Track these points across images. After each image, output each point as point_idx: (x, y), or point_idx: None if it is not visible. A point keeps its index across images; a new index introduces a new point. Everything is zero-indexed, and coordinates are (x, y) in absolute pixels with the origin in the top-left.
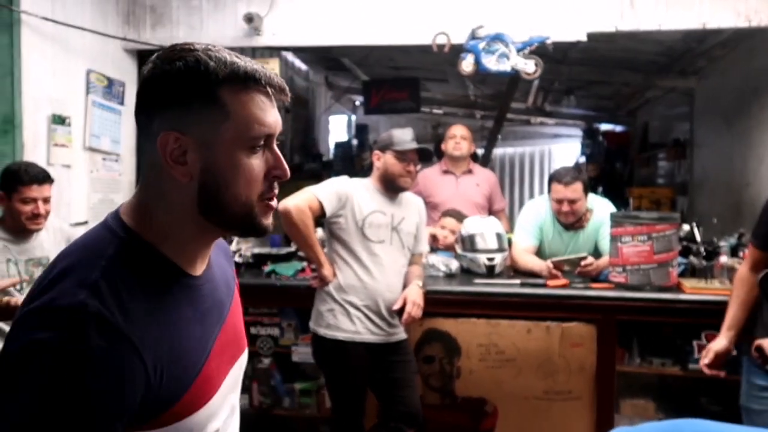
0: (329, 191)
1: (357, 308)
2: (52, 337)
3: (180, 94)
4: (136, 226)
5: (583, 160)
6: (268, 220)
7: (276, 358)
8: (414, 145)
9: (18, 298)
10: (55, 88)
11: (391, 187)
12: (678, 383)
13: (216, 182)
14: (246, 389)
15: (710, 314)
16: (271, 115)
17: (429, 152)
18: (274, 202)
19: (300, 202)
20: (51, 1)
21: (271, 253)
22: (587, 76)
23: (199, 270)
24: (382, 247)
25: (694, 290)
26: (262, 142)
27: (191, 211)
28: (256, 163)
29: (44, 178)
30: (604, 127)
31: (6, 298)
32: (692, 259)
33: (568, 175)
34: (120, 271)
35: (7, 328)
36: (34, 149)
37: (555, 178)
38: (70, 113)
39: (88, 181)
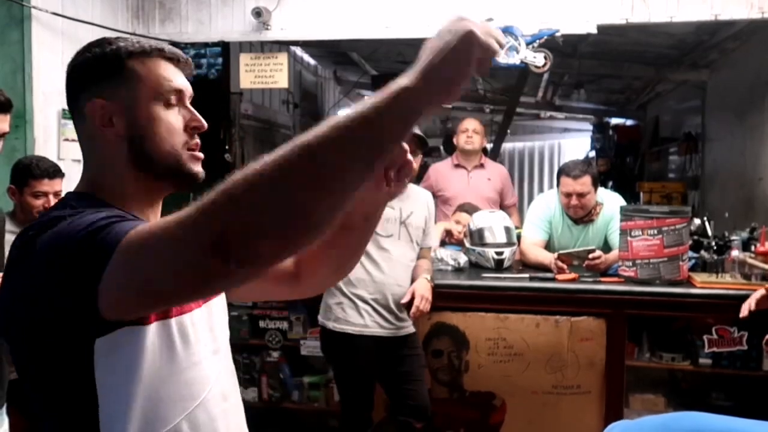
0: None
1: (365, 302)
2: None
3: (98, 70)
4: (89, 190)
5: (593, 154)
6: (197, 168)
7: (285, 352)
8: (411, 134)
9: None
10: (65, 83)
11: None
12: (688, 378)
13: (140, 135)
14: (255, 382)
15: (721, 309)
16: (178, 77)
17: (424, 140)
18: (198, 153)
19: None
20: None
21: None
22: (598, 69)
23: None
24: (390, 241)
25: (705, 284)
26: (173, 98)
27: (128, 167)
28: (173, 115)
29: (55, 172)
30: (615, 121)
31: None
32: (703, 253)
33: (577, 168)
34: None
35: None
36: (45, 144)
37: (564, 171)
38: None
39: None
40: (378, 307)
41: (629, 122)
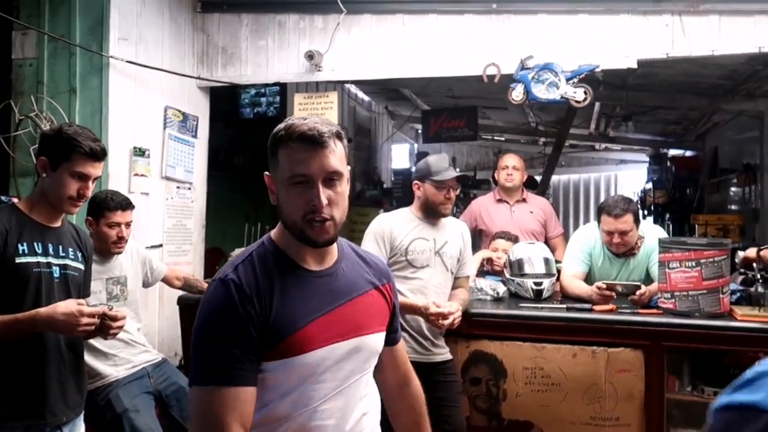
0: (372, 245)
1: (402, 328)
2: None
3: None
4: (275, 239)
5: (650, 186)
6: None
7: None
8: (451, 174)
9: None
10: (136, 123)
11: (433, 214)
12: None
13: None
14: None
15: (764, 342)
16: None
17: (466, 178)
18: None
19: None
20: (135, 45)
21: None
22: (649, 101)
23: (313, 266)
24: (425, 271)
25: (746, 318)
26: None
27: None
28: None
29: (127, 204)
30: (673, 152)
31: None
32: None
33: (618, 207)
34: (259, 261)
35: (100, 345)
36: (117, 178)
37: (605, 210)
38: (150, 146)
39: (163, 208)
40: (414, 333)
41: (688, 153)
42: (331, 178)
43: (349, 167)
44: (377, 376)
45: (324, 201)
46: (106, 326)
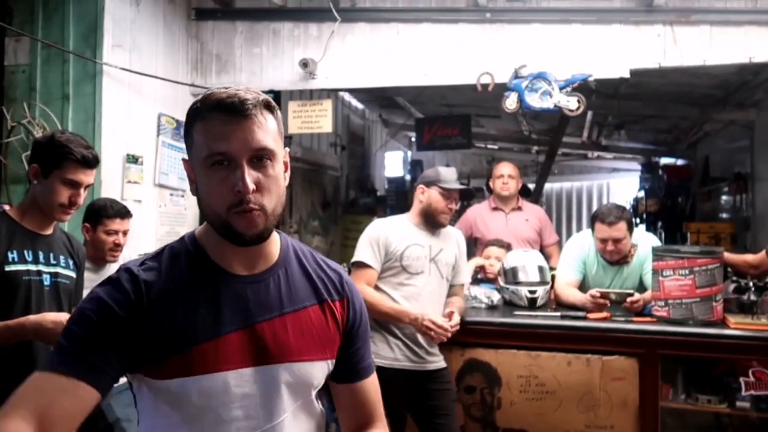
0: (366, 250)
1: (396, 336)
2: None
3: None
4: (198, 234)
5: (641, 194)
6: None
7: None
8: (459, 186)
9: None
10: (130, 130)
11: (431, 222)
12: (727, 421)
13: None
14: None
15: (756, 350)
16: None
17: (471, 193)
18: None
19: (364, 287)
20: (129, 52)
21: None
22: (640, 110)
23: (239, 270)
24: (420, 278)
25: (739, 326)
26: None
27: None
28: None
29: (126, 213)
30: (665, 160)
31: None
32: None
33: (612, 214)
34: (170, 258)
35: None
36: (110, 185)
37: (598, 217)
38: (143, 153)
39: (156, 215)
40: (408, 342)
41: (680, 162)
42: (259, 157)
43: (287, 149)
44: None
45: (251, 185)
46: None
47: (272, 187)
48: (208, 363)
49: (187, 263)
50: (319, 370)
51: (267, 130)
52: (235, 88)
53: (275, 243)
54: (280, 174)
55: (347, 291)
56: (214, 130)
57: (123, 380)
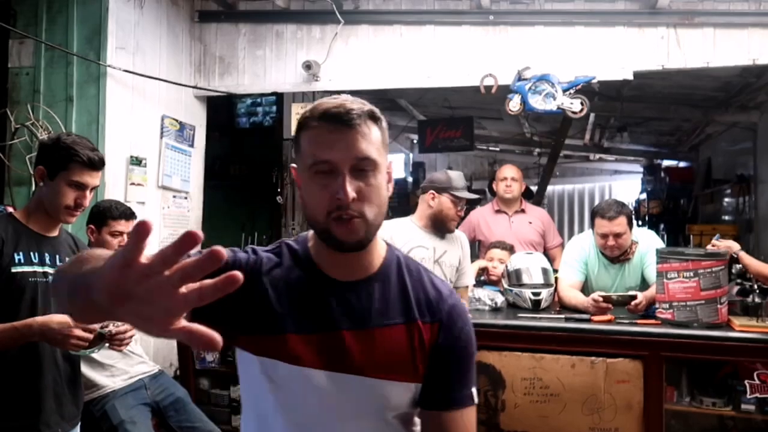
0: None
1: None
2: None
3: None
4: (310, 235)
5: (644, 196)
6: None
7: None
8: (472, 196)
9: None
10: (133, 133)
11: (440, 228)
12: (732, 424)
13: None
14: None
15: (761, 353)
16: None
17: (479, 200)
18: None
19: None
20: (132, 55)
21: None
22: (643, 112)
23: (336, 275)
24: None
25: (744, 328)
26: None
27: None
28: None
29: (131, 214)
30: (667, 162)
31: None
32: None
33: (612, 209)
34: (287, 252)
35: (96, 356)
36: (113, 187)
37: (598, 213)
38: (146, 155)
39: (159, 217)
40: None
41: (682, 164)
42: (361, 167)
43: (390, 161)
44: None
45: (351, 194)
46: (116, 341)
47: (373, 196)
48: (289, 354)
49: (294, 260)
50: (396, 392)
51: (370, 141)
52: (343, 98)
53: (377, 254)
54: (382, 184)
55: (443, 314)
56: (320, 139)
57: (127, 382)
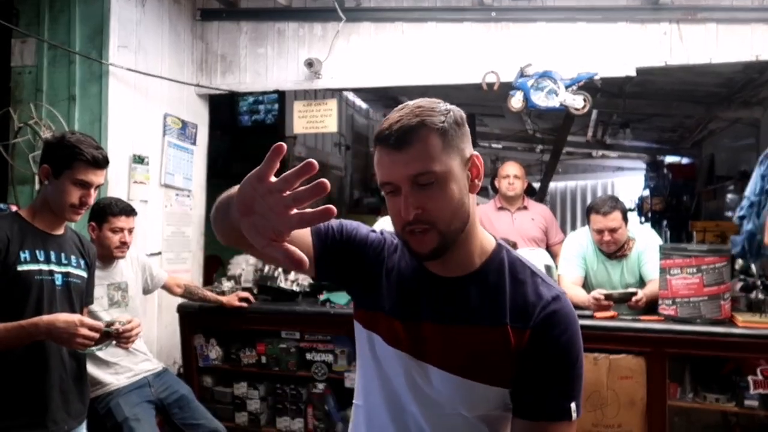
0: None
1: None
2: None
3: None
4: None
5: (647, 193)
6: None
7: (330, 384)
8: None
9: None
10: (136, 131)
11: None
12: (735, 420)
13: None
14: (301, 413)
15: (765, 349)
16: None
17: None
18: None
19: None
20: (134, 53)
21: (326, 282)
22: (645, 109)
23: (436, 271)
24: None
25: (747, 324)
26: None
27: None
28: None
29: (131, 211)
30: (670, 159)
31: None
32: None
33: (606, 204)
34: (400, 245)
35: (100, 354)
36: (116, 186)
37: (593, 209)
38: (149, 153)
39: (162, 215)
40: None
41: (685, 160)
42: (421, 183)
43: (474, 153)
44: None
45: (412, 212)
46: (123, 338)
47: (441, 204)
48: (382, 331)
49: (407, 254)
50: (472, 391)
51: (425, 152)
52: (399, 111)
53: (477, 252)
54: (452, 189)
55: (538, 321)
56: (380, 162)
57: (131, 380)
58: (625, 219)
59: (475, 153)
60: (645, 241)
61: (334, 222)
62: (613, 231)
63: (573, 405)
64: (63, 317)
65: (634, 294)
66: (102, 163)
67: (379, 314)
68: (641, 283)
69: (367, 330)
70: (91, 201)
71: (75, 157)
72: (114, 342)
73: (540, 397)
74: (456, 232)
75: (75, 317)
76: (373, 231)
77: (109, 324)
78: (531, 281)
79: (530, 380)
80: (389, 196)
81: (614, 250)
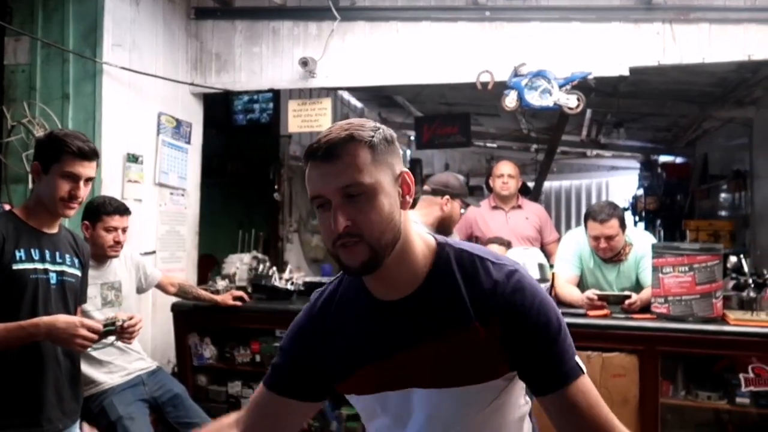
0: None
1: None
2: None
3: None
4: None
5: (641, 192)
6: None
7: None
8: (476, 204)
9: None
10: (130, 130)
11: (443, 231)
12: (727, 418)
13: None
14: None
15: (756, 346)
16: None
17: (467, 204)
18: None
19: None
20: (129, 52)
21: (321, 281)
22: (639, 108)
23: (384, 296)
24: None
25: (739, 322)
26: None
27: None
28: None
29: (124, 210)
30: (663, 158)
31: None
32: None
33: (603, 212)
34: (341, 293)
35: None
36: (110, 185)
37: (591, 215)
38: (143, 152)
39: (156, 214)
40: None
41: (678, 160)
42: (351, 195)
43: (403, 170)
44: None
45: (342, 224)
46: (126, 333)
47: (371, 216)
48: (365, 386)
49: (352, 293)
50: (470, 395)
51: (354, 164)
52: (329, 128)
53: (420, 263)
54: (382, 202)
55: (501, 307)
56: (309, 176)
57: (125, 379)
58: (622, 226)
59: (406, 170)
60: (644, 248)
61: (275, 370)
62: (609, 238)
63: (577, 359)
64: (63, 318)
65: (628, 297)
66: (89, 154)
67: (353, 376)
68: (637, 286)
69: (354, 395)
70: (82, 194)
71: (62, 150)
72: (114, 339)
73: (545, 369)
74: (387, 246)
75: (75, 318)
76: (297, 322)
77: (109, 323)
78: (481, 268)
79: (528, 358)
80: (320, 210)
81: (610, 257)
